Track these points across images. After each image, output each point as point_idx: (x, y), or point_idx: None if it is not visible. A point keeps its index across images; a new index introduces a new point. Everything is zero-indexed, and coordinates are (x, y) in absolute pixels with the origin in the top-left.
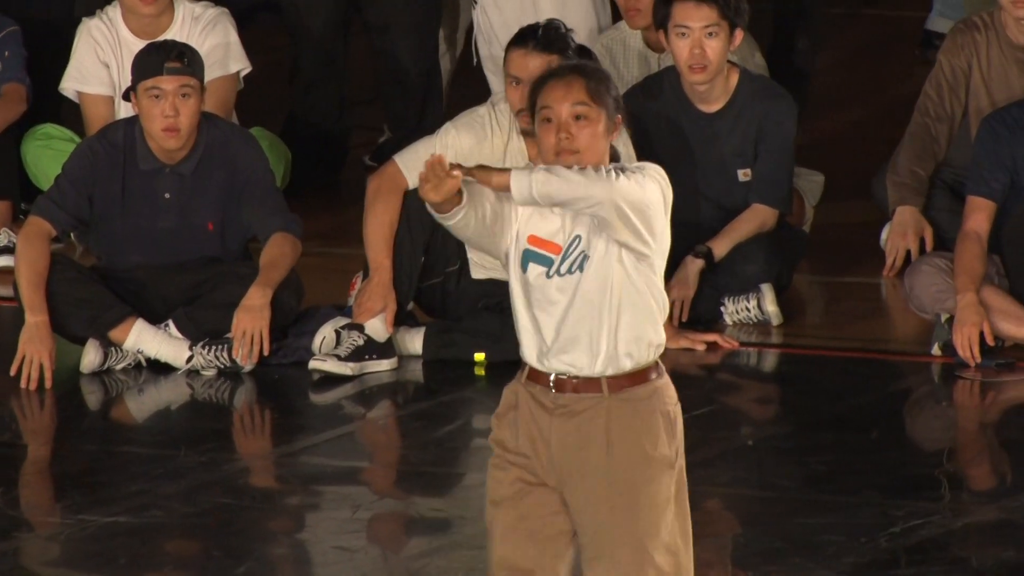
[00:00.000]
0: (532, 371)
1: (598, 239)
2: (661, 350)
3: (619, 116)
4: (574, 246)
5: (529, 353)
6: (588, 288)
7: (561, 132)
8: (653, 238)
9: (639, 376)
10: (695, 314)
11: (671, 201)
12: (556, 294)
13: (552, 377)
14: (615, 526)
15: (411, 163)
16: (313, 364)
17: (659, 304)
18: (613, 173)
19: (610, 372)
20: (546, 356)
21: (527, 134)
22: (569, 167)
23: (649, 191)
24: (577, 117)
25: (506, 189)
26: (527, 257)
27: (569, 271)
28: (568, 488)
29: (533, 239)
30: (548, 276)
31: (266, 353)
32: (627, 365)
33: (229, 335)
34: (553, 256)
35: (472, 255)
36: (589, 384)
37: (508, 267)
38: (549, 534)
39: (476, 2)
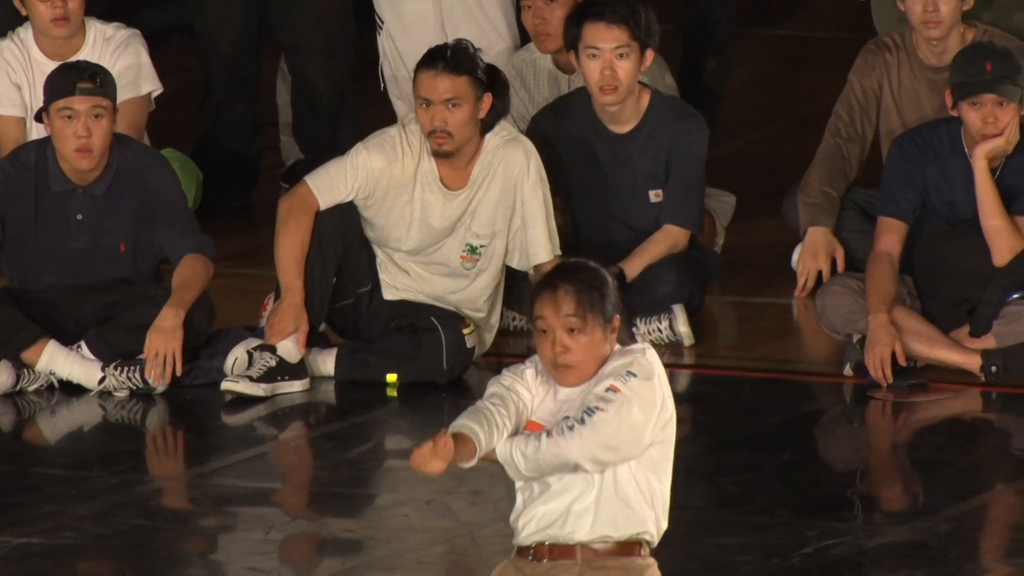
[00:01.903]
0: (520, 547)
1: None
2: (650, 537)
3: (617, 316)
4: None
5: (520, 533)
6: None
7: (556, 346)
8: (642, 445)
9: (618, 550)
10: None
11: (665, 379)
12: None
13: (533, 547)
14: None
15: (322, 184)
16: (225, 385)
17: (653, 496)
18: (587, 421)
19: (589, 541)
20: (530, 524)
21: (438, 155)
22: (546, 435)
23: (628, 419)
24: (571, 329)
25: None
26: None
27: None
28: None
29: (530, 424)
30: None
31: (179, 374)
32: (607, 532)
33: (141, 356)
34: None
35: (384, 276)
36: (564, 550)
37: None
38: None
39: (381, 28)
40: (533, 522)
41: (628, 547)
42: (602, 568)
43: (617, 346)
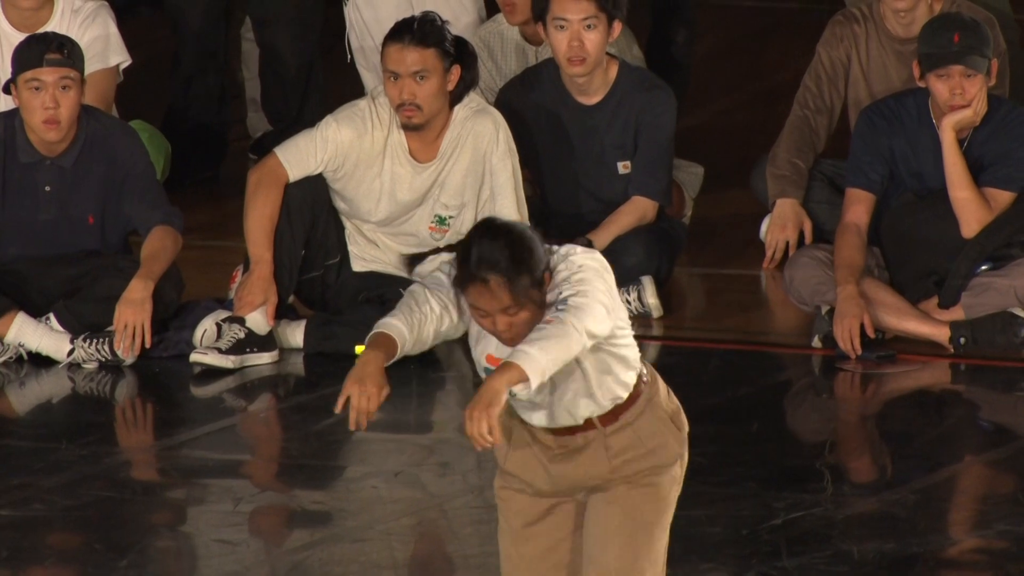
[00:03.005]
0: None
1: None
2: (634, 377)
3: (543, 284)
4: None
5: (520, 411)
6: (553, 383)
7: (497, 327)
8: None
9: (622, 407)
10: None
11: (612, 279)
12: (525, 397)
13: (535, 430)
14: (611, 521)
15: (291, 156)
16: (194, 357)
17: (623, 350)
18: (574, 322)
19: (597, 415)
20: (538, 417)
21: (407, 128)
22: (544, 335)
23: (599, 307)
24: (506, 310)
25: (524, 381)
26: (488, 374)
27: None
28: (565, 495)
29: (490, 358)
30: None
31: (147, 346)
32: (610, 406)
33: (110, 328)
34: None
35: (352, 248)
36: (582, 426)
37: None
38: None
39: None
40: (534, 418)
41: (629, 398)
42: (626, 425)
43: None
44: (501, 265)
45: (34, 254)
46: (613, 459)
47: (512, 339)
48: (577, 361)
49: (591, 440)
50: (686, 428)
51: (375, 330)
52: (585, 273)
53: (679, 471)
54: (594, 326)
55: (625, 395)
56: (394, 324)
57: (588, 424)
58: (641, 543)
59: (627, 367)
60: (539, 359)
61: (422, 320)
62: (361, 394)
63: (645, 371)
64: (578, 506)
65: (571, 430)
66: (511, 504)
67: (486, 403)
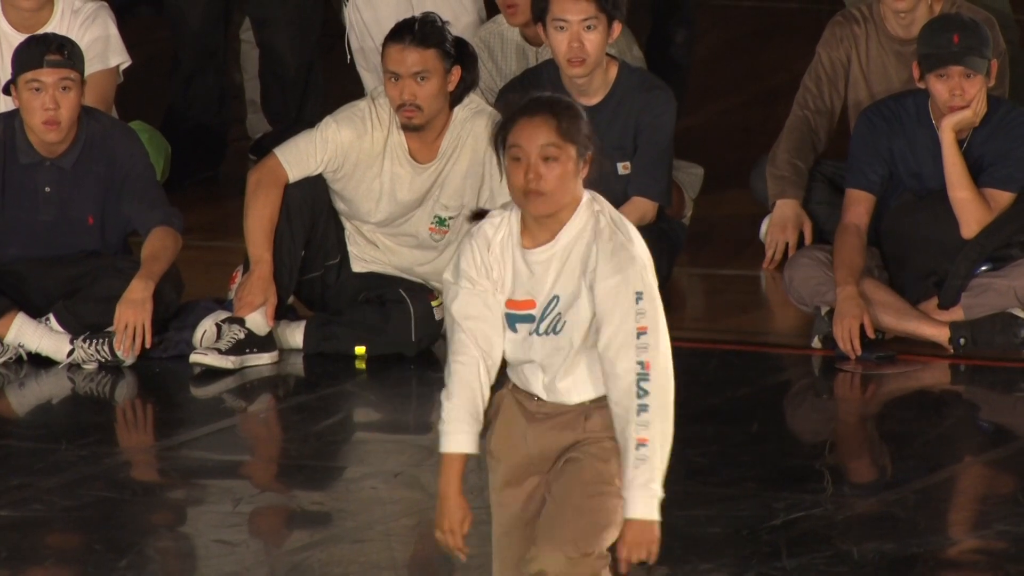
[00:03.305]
0: (515, 385)
1: (577, 307)
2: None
3: (589, 154)
4: (551, 307)
5: (516, 377)
6: (563, 345)
7: (530, 172)
8: None
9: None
10: None
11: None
12: (539, 349)
13: (536, 397)
14: (572, 477)
15: (291, 156)
16: (194, 358)
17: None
18: (660, 380)
19: (589, 399)
20: (534, 381)
21: (407, 129)
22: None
23: (656, 337)
24: (546, 158)
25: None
26: (511, 320)
27: (547, 332)
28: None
29: (509, 303)
30: (529, 335)
31: (147, 346)
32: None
33: (110, 329)
34: (532, 312)
35: (352, 248)
36: (572, 406)
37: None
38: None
39: None
40: (530, 383)
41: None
42: (605, 406)
43: (586, 195)
44: (553, 104)
45: (34, 255)
46: (587, 431)
47: (538, 195)
48: (585, 359)
49: (573, 419)
50: None
51: (448, 448)
52: (649, 308)
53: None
54: (668, 380)
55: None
56: (463, 435)
57: (578, 406)
58: (599, 505)
59: None
60: (657, 489)
61: (481, 388)
62: (449, 535)
63: None
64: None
65: (560, 403)
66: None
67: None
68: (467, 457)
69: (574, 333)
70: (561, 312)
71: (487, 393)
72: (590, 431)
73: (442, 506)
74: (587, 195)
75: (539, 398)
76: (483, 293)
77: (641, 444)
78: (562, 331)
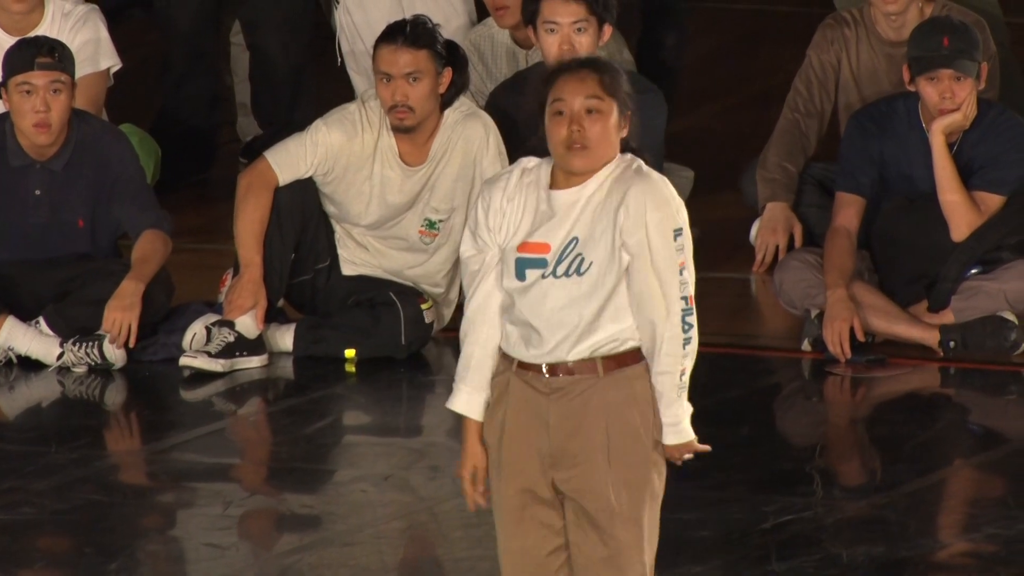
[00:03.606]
0: (521, 362)
1: (599, 246)
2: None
3: (628, 112)
4: (570, 248)
5: (516, 349)
6: (583, 291)
7: (573, 124)
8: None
9: (630, 357)
10: None
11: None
12: (550, 294)
13: (544, 365)
14: (617, 503)
15: (281, 160)
16: (183, 361)
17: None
18: (683, 319)
19: (601, 354)
20: (536, 348)
21: (398, 130)
22: (674, 354)
23: (691, 274)
24: (589, 111)
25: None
26: (521, 265)
27: (566, 274)
28: (562, 469)
29: (524, 246)
30: (544, 277)
31: (131, 346)
32: (618, 348)
33: (100, 332)
34: (545, 256)
35: (342, 251)
36: (583, 366)
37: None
38: (546, 559)
39: (338, 2)
40: (540, 349)
41: (635, 354)
42: (623, 379)
43: (620, 161)
44: (596, 63)
45: (24, 258)
46: (610, 424)
47: (582, 148)
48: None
49: (588, 388)
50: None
51: (458, 406)
52: (686, 244)
53: (657, 456)
54: (692, 309)
55: (625, 344)
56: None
57: (589, 366)
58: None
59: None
60: (686, 412)
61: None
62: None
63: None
64: (558, 506)
65: (569, 370)
66: (495, 483)
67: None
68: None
69: (605, 274)
70: (582, 253)
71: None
72: (613, 433)
73: (462, 453)
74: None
75: (547, 374)
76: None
77: (683, 374)
78: (587, 272)
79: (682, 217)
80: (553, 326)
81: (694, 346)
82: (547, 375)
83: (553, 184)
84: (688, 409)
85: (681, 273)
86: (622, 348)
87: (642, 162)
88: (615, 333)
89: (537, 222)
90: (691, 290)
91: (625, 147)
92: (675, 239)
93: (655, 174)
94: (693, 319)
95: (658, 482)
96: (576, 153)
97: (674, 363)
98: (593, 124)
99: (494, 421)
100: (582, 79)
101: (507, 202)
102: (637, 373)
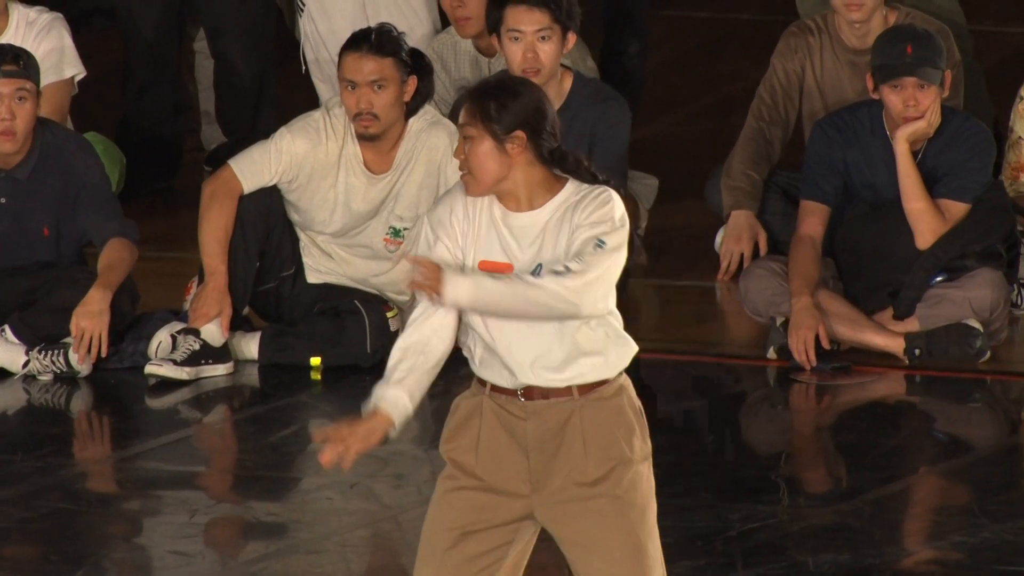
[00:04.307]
0: (495, 385)
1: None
2: (626, 360)
3: (521, 133)
4: (536, 273)
5: (490, 372)
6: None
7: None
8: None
9: (607, 380)
10: None
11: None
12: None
13: (519, 390)
14: (605, 528)
15: (246, 168)
16: (149, 369)
17: (618, 321)
18: (579, 279)
19: (576, 383)
20: (511, 373)
21: (363, 138)
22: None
23: (610, 271)
24: (466, 137)
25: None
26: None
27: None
28: (543, 495)
29: (484, 264)
30: None
31: (104, 355)
32: (591, 377)
33: (66, 340)
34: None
35: (307, 259)
36: (557, 390)
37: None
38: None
39: (303, 9)
40: (512, 370)
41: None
42: (599, 399)
43: (579, 189)
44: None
45: None
46: (588, 445)
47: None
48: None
49: (564, 410)
50: (647, 430)
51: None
52: (611, 241)
53: (648, 473)
54: (596, 295)
55: (605, 372)
56: (396, 397)
57: (563, 390)
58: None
59: (611, 329)
60: (478, 288)
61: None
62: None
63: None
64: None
65: (544, 394)
66: (449, 496)
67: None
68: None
69: None
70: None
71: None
72: (593, 453)
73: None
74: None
75: (523, 398)
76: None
77: (558, 274)
78: None
79: (618, 234)
80: (526, 355)
81: (577, 281)
82: (522, 399)
83: (508, 204)
84: (478, 289)
85: (593, 251)
86: (594, 378)
87: (609, 189)
88: (588, 361)
89: (495, 242)
90: (584, 269)
91: (593, 178)
92: (599, 244)
93: (604, 193)
94: (572, 284)
95: (648, 495)
96: (466, 182)
97: (541, 283)
98: (470, 150)
99: (462, 439)
100: (466, 113)
101: (459, 222)
102: (612, 391)
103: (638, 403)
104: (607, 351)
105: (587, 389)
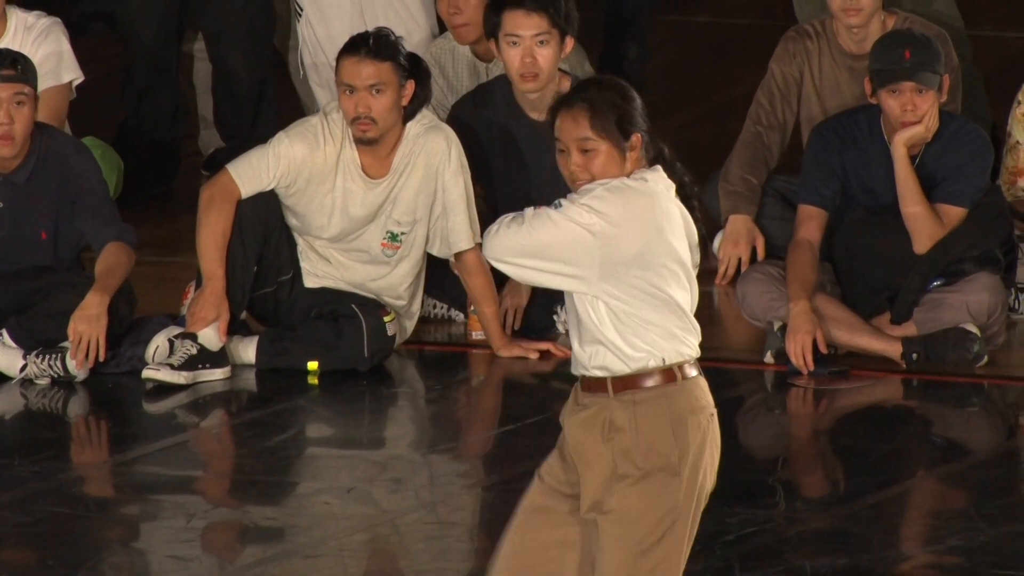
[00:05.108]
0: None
1: None
2: (664, 359)
3: (636, 134)
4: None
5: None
6: (576, 304)
7: (572, 165)
8: (577, 271)
9: (640, 379)
10: (528, 322)
11: (619, 225)
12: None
13: (579, 377)
14: (608, 523)
15: (244, 172)
16: (146, 373)
17: (657, 323)
18: (504, 225)
19: (613, 373)
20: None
21: (361, 143)
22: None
23: (540, 234)
24: (584, 150)
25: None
26: None
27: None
28: (581, 479)
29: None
30: None
31: (102, 359)
32: (624, 369)
33: (63, 344)
34: None
35: (305, 264)
36: (598, 384)
37: None
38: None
39: (300, 14)
40: (576, 357)
41: (646, 376)
42: (630, 403)
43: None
44: (591, 95)
45: None
46: (610, 440)
47: (581, 181)
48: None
49: (598, 404)
50: (694, 446)
51: None
52: (565, 209)
53: (671, 486)
54: (508, 245)
55: (636, 365)
56: None
57: (601, 384)
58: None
59: (640, 330)
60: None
61: None
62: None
63: (679, 364)
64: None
65: (590, 386)
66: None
67: None
68: None
69: None
70: None
71: None
72: (616, 448)
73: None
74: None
75: (582, 388)
76: None
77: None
78: None
79: (577, 210)
80: (577, 339)
81: (525, 226)
82: (581, 388)
83: None
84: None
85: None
86: (628, 370)
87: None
88: (617, 352)
89: None
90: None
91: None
92: (556, 204)
93: (616, 190)
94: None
95: (683, 506)
96: (573, 185)
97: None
98: (589, 162)
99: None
100: (570, 118)
101: None
102: (650, 396)
103: (685, 415)
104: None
105: (621, 387)
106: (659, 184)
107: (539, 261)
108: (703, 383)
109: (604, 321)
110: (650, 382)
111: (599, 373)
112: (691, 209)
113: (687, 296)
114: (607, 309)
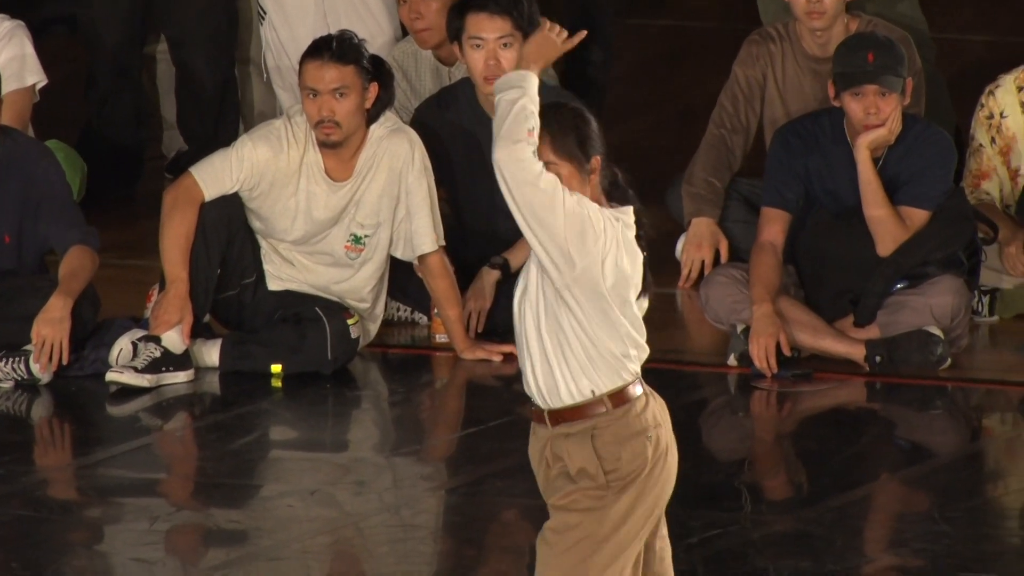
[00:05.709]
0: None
1: (532, 265)
2: (599, 390)
3: (596, 156)
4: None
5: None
6: (527, 324)
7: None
8: (555, 255)
9: (579, 412)
10: (492, 325)
11: (610, 251)
12: (518, 321)
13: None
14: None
15: (207, 175)
16: (110, 376)
17: (599, 351)
18: (535, 163)
19: (552, 406)
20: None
21: (325, 146)
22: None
23: (552, 197)
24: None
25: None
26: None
27: (520, 299)
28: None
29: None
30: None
31: (65, 363)
32: (567, 402)
33: (26, 347)
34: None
35: (268, 266)
36: (539, 416)
37: None
38: None
39: (264, 17)
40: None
41: (587, 408)
42: (564, 436)
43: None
44: (549, 119)
45: None
46: (549, 468)
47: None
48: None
49: (540, 435)
50: (621, 462)
51: None
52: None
53: (588, 496)
54: (524, 173)
55: (581, 399)
56: None
57: (540, 417)
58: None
59: (588, 357)
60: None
61: None
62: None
63: (620, 389)
64: None
65: (536, 416)
66: None
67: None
68: None
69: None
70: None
71: None
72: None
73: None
74: None
75: (535, 420)
76: None
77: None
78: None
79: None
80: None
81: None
82: (533, 420)
83: None
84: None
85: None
86: (570, 403)
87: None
88: (564, 386)
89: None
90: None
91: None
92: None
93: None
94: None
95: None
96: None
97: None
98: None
99: None
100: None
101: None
102: (584, 428)
103: (615, 444)
104: (578, 377)
105: (558, 419)
106: (631, 228)
107: (549, 215)
108: (642, 403)
109: (547, 346)
110: (588, 413)
111: (540, 404)
112: (639, 239)
113: (636, 323)
114: (557, 328)
